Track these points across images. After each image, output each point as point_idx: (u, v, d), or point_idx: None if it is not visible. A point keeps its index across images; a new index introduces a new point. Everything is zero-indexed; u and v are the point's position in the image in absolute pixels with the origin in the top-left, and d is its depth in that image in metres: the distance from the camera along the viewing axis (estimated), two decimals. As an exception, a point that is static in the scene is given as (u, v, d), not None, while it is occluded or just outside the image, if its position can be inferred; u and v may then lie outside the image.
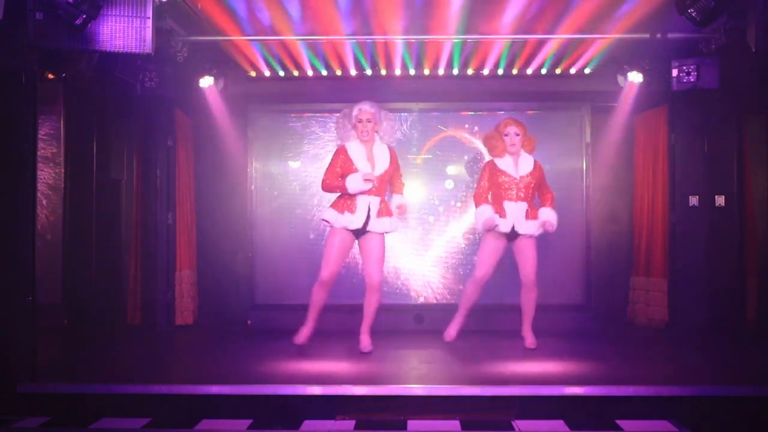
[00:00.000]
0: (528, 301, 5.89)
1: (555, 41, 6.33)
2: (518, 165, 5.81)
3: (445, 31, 6.14)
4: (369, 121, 5.60)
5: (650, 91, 6.76)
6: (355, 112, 5.64)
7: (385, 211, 5.65)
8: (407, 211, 5.83)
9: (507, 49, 6.52)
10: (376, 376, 4.95)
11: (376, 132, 5.67)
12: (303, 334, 5.76)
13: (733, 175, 6.76)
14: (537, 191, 5.90)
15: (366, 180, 5.49)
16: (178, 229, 7.14)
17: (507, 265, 5.99)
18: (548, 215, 5.81)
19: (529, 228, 5.75)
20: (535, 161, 5.87)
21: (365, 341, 5.73)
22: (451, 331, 6.02)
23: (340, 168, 5.59)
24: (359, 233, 5.64)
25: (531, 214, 5.77)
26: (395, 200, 5.78)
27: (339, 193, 5.66)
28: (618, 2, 5.63)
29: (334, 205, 5.65)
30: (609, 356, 5.75)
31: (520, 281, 5.87)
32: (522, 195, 5.76)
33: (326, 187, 5.68)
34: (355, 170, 5.55)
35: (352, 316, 6.02)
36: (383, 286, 5.90)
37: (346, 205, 5.58)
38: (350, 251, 5.80)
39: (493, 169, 5.83)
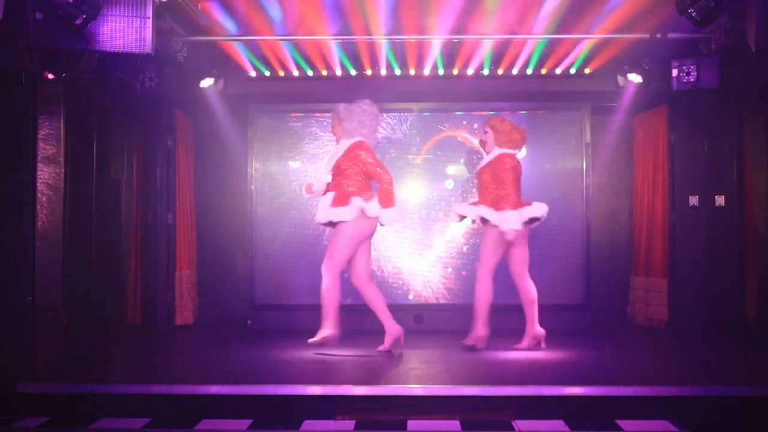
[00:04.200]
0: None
1: (555, 41, 6.33)
2: (482, 161, 5.91)
3: (445, 31, 6.14)
4: (331, 125, 5.77)
5: (650, 91, 6.76)
6: None
7: (340, 201, 5.49)
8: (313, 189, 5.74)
9: (506, 49, 6.52)
10: (376, 376, 4.95)
11: (343, 131, 5.64)
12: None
13: (733, 175, 6.76)
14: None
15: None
16: (178, 229, 7.14)
17: (505, 264, 5.99)
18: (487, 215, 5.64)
19: (484, 215, 5.71)
20: (497, 155, 5.74)
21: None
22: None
23: None
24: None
25: (489, 204, 5.70)
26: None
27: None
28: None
29: None
30: (609, 356, 5.76)
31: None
32: (478, 189, 5.86)
33: None
34: None
35: (351, 316, 6.04)
36: (340, 277, 5.51)
37: None
38: None
39: None
